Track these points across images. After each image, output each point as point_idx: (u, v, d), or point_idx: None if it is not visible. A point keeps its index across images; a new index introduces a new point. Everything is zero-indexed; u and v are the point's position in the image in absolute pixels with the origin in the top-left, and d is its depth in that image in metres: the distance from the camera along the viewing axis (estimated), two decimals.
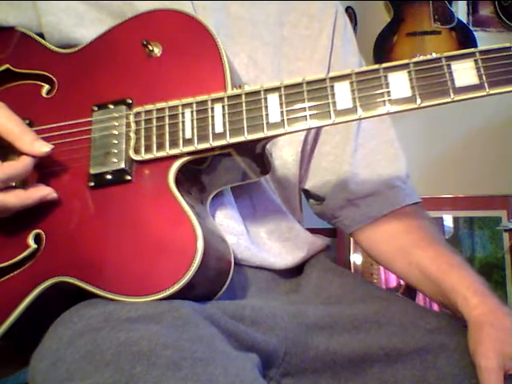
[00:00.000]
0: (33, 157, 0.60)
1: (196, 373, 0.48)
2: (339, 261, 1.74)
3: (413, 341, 0.68)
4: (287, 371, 0.66)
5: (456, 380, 0.65)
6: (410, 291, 1.72)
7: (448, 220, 1.90)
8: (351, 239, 1.74)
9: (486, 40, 1.99)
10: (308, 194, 0.91)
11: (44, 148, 0.61)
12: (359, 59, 0.90)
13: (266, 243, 0.80)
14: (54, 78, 0.71)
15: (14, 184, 0.62)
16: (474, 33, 1.98)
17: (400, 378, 0.67)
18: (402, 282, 1.82)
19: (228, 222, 0.74)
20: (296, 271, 0.85)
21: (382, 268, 1.75)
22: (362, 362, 0.68)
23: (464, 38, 1.96)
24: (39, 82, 0.71)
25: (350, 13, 1.98)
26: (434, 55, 0.57)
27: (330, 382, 0.68)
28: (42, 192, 0.62)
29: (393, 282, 1.85)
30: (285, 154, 0.81)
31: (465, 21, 2.04)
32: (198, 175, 0.67)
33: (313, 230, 0.88)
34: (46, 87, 0.71)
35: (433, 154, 1.94)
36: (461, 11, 2.06)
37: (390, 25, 2.01)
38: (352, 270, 1.72)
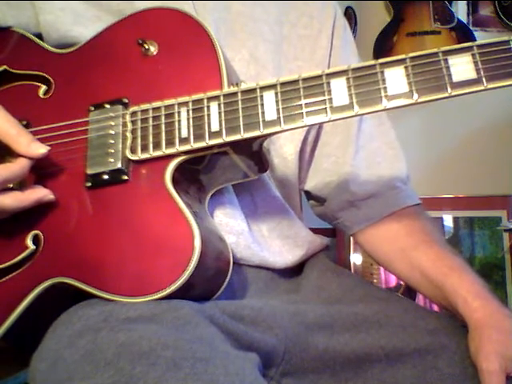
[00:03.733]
0: (29, 158, 0.60)
1: (196, 373, 0.47)
2: (339, 261, 1.74)
3: (413, 341, 0.68)
4: (287, 371, 0.66)
5: (456, 380, 0.65)
6: (410, 291, 1.72)
7: (448, 220, 1.89)
8: (351, 239, 1.74)
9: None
10: (309, 195, 0.91)
11: (41, 150, 0.61)
12: (358, 59, 0.89)
13: (267, 241, 0.79)
14: (50, 79, 0.71)
15: (11, 185, 0.62)
16: (474, 33, 1.98)
17: (400, 378, 0.67)
18: (401, 282, 1.82)
19: (228, 220, 0.73)
20: (296, 271, 0.85)
21: (381, 268, 1.75)
22: (362, 362, 0.68)
23: (464, 38, 1.96)
24: (36, 83, 0.71)
25: (350, 13, 1.97)
26: (431, 50, 0.56)
27: (330, 381, 0.68)
28: (38, 194, 0.62)
29: (393, 282, 1.85)
30: (285, 153, 0.81)
31: (465, 21, 2.03)
32: (195, 174, 0.66)
33: (313, 230, 0.88)
34: (43, 88, 0.71)
35: (433, 153, 1.94)
36: (461, 11, 2.06)
37: (389, 25, 2.01)
38: (352, 270, 1.72)
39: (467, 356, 0.66)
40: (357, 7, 1.99)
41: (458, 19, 1.99)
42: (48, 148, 0.61)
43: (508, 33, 2.02)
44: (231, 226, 0.73)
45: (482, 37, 1.99)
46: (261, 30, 0.81)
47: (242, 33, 0.80)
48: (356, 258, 1.76)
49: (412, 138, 1.89)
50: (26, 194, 0.61)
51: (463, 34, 1.97)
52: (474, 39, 1.96)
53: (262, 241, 0.78)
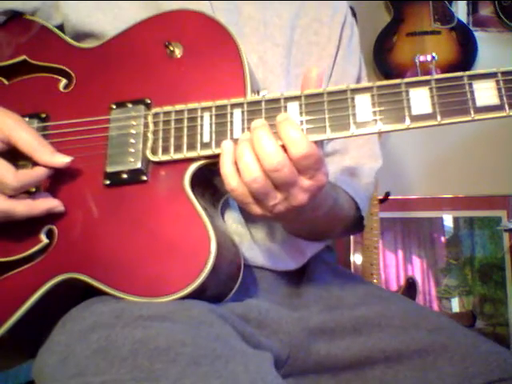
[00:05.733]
0: (50, 168, 0.61)
1: (217, 370, 0.48)
2: (339, 261, 1.74)
3: (413, 342, 0.69)
4: (289, 372, 0.67)
5: (456, 381, 0.66)
6: (410, 291, 1.73)
7: (448, 220, 1.90)
8: (351, 239, 1.75)
9: (485, 40, 2.00)
10: None
11: (65, 159, 0.61)
12: (358, 71, 0.89)
13: (268, 245, 0.80)
14: (72, 73, 0.70)
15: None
16: (474, 33, 1.99)
17: (401, 379, 0.67)
18: (401, 282, 1.82)
19: (232, 223, 0.74)
20: (298, 273, 0.85)
21: (381, 268, 1.75)
22: (363, 365, 0.68)
23: (464, 38, 1.96)
24: (56, 76, 0.70)
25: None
26: (456, 73, 0.57)
27: (331, 381, 0.68)
28: (49, 204, 0.62)
29: (393, 282, 1.85)
30: None
31: (465, 21, 2.04)
32: (212, 178, 0.66)
33: None
34: (64, 81, 0.70)
35: (433, 153, 1.94)
36: (461, 11, 2.06)
37: (389, 25, 2.02)
38: (352, 270, 1.72)
39: (467, 356, 0.66)
40: (357, 7, 2.00)
41: (458, 19, 1.99)
42: (71, 158, 0.62)
43: (508, 33, 2.02)
44: (234, 228, 0.74)
45: (481, 37, 1.99)
46: (271, 34, 0.81)
47: (252, 37, 0.79)
48: (356, 258, 1.77)
49: (412, 137, 1.89)
50: (37, 203, 0.61)
51: (463, 34, 1.98)
52: (474, 39, 1.96)
53: (263, 244, 0.79)
